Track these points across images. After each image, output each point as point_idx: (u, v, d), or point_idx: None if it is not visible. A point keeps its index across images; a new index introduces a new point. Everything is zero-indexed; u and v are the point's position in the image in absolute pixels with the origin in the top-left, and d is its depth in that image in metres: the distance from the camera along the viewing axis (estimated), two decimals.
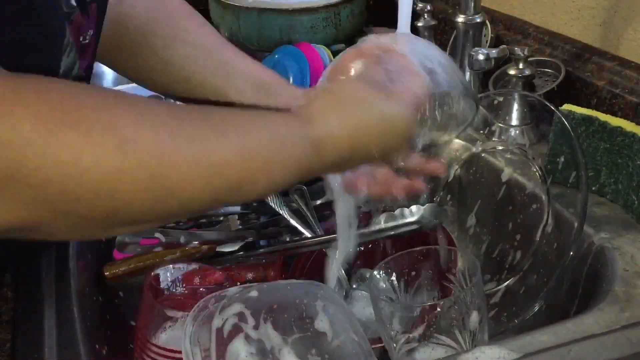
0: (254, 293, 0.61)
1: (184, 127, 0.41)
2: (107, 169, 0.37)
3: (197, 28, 0.70)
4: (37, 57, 0.46)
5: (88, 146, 0.36)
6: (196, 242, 0.78)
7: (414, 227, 0.77)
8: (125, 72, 0.75)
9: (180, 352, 0.57)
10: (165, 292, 0.70)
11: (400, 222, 0.77)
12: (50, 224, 0.38)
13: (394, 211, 0.77)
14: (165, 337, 0.65)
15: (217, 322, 0.58)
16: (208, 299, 0.59)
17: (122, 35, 0.68)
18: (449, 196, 0.94)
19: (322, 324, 0.62)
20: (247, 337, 0.59)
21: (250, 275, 0.79)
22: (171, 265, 0.70)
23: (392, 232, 0.78)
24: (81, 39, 0.53)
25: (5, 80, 0.36)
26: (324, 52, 1.09)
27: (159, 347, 0.63)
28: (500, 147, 0.85)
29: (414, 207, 0.77)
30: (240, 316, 0.59)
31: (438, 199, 0.90)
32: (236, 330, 0.59)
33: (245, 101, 0.67)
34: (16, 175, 0.35)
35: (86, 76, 0.56)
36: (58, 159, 0.36)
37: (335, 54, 1.10)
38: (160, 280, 0.70)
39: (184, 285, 0.71)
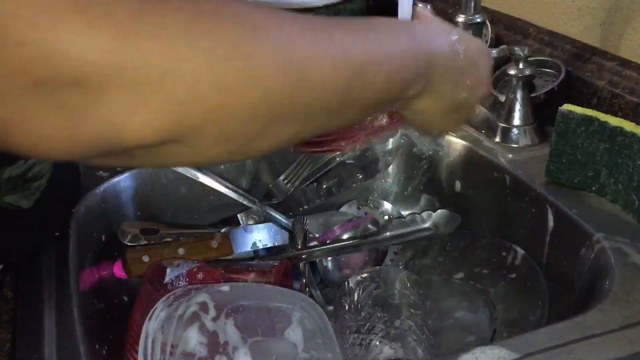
0: (224, 288, 0.62)
1: (307, 21, 0.43)
2: (246, 53, 0.38)
3: None
4: None
5: (226, 33, 0.37)
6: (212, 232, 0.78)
7: (427, 233, 0.77)
8: None
9: (174, 345, 0.57)
10: (167, 287, 0.70)
11: (413, 228, 0.77)
12: (202, 129, 0.37)
13: (405, 218, 0.77)
14: None
15: (181, 309, 0.58)
16: (185, 289, 0.60)
17: None
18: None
19: (293, 334, 0.62)
20: (202, 327, 0.59)
21: (250, 277, 0.80)
22: (177, 262, 0.71)
23: (405, 239, 0.78)
24: None
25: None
26: None
27: None
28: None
29: (425, 214, 0.77)
30: (202, 306, 0.60)
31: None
32: (194, 318, 0.59)
33: None
34: (172, 71, 0.35)
35: None
36: (202, 48, 0.36)
37: None
38: (166, 274, 0.70)
39: (187, 280, 0.71)
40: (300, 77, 0.41)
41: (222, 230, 0.82)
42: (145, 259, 0.72)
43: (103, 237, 0.81)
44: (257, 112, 0.39)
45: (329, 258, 0.85)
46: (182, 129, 0.37)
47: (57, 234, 0.74)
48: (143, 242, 0.79)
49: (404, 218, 0.77)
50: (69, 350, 0.58)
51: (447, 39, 0.56)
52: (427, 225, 0.76)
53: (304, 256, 0.79)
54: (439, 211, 0.78)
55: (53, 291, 0.66)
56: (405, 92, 0.50)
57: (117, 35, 0.33)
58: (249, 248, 0.82)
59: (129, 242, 0.79)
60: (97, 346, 0.66)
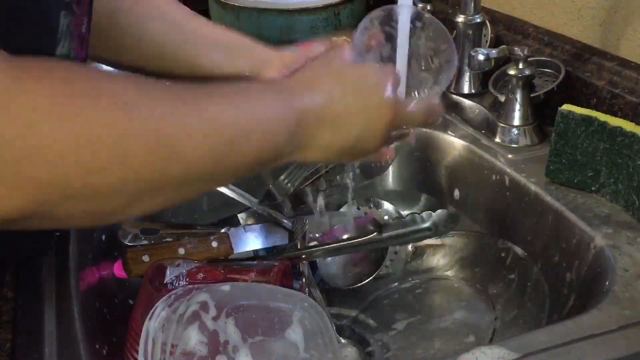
0: (225, 287, 0.62)
1: (176, 93, 0.45)
2: (118, 134, 0.38)
3: (164, 3, 0.70)
4: (29, 46, 0.46)
5: (99, 115, 0.38)
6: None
7: (427, 233, 0.77)
8: (95, 54, 0.75)
9: (174, 345, 0.57)
10: (168, 286, 0.70)
11: (413, 228, 0.77)
12: (64, 205, 0.38)
13: (404, 218, 0.77)
14: None
15: (181, 308, 0.59)
16: (186, 288, 0.60)
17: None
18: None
19: (293, 334, 0.62)
20: (202, 326, 0.60)
21: (250, 277, 0.80)
22: (177, 262, 0.71)
23: (405, 239, 0.78)
24: (83, 29, 0.53)
25: (13, 61, 0.37)
26: None
27: None
28: None
29: (424, 214, 0.77)
30: (203, 305, 0.60)
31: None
32: (194, 317, 0.60)
33: (218, 68, 0.68)
34: (34, 154, 0.35)
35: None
36: (73, 131, 0.36)
37: None
38: (166, 274, 0.70)
39: (187, 280, 0.71)
40: (170, 152, 0.41)
41: (222, 230, 0.82)
42: (146, 258, 0.73)
43: (103, 237, 0.81)
44: (124, 188, 0.40)
45: (329, 258, 0.85)
46: (41, 208, 0.37)
47: (57, 233, 0.74)
48: (143, 242, 0.79)
49: (404, 218, 0.77)
50: (69, 350, 0.58)
51: (326, 87, 0.54)
52: (426, 225, 0.76)
53: (303, 256, 0.78)
54: (438, 211, 0.78)
55: (53, 291, 0.65)
56: (280, 153, 0.51)
57: None
58: (249, 248, 0.82)
59: (129, 242, 0.79)
60: (97, 346, 0.65)
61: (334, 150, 0.55)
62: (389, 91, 0.55)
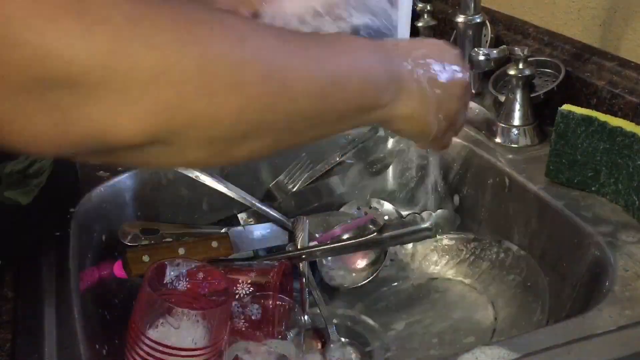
0: None
1: (281, 32, 0.47)
2: (232, 60, 0.40)
3: None
4: None
5: (214, 41, 0.39)
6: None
7: (427, 233, 0.78)
8: None
9: (173, 347, 0.57)
10: (168, 286, 0.70)
11: (413, 228, 0.78)
12: (184, 130, 0.39)
13: (404, 218, 0.77)
14: (160, 332, 0.65)
15: None
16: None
17: None
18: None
19: None
20: None
21: (251, 277, 0.80)
22: (177, 262, 0.71)
23: (405, 239, 0.79)
24: None
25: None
26: None
27: (153, 341, 0.63)
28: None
29: (425, 214, 0.78)
30: None
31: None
32: None
33: None
34: (160, 76, 0.36)
35: None
36: (192, 54, 0.38)
37: None
38: (166, 274, 0.70)
39: (187, 279, 0.71)
40: (280, 86, 0.43)
41: (222, 230, 0.82)
42: (146, 258, 0.73)
43: (103, 237, 0.81)
44: (240, 118, 0.41)
45: (329, 258, 0.85)
46: (168, 131, 0.38)
47: (57, 233, 0.74)
48: (144, 242, 0.79)
49: (404, 218, 0.77)
50: (69, 350, 0.58)
51: (418, 53, 0.58)
52: (426, 225, 0.77)
53: (303, 256, 0.78)
54: (438, 211, 0.78)
55: (53, 291, 0.65)
56: (379, 99, 0.52)
57: (109, 39, 0.34)
58: (249, 248, 0.82)
59: (129, 242, 0.79)
60: (97, 346, 0.65)
61: (425, 105, 0.57)
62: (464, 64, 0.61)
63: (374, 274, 0.84)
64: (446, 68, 0.59)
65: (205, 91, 0.38)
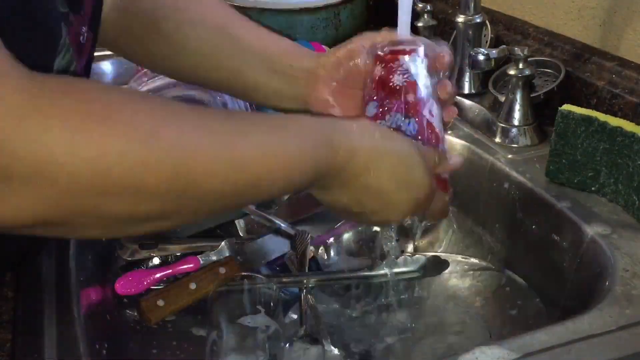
0: None
1: (206, 123, 0.43)
2: (132, 162, 0.38)
3: (207, 8, 0.68)
4: (29, 58, 0.46)
5: (114, 141, 0.37)
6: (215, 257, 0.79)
7: (416, 274, 0.80)
8: (139, 59, 0.74)
9: None
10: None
11: (403, 269, 0.80)
12: (75, 220, 0.39)
13: (397, 258, 0.80)
14: None
15: None
16: None
17: (132, 22, 0.67)
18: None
19: None
20: None
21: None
22: None
23: (393, 278, 0.81)
24: (81, 39, 0.52)
25: (32, 80, 0.37)
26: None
27: None
28: None
29: (416, 257, 0.81)
30: None
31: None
32: None
33: (262, 83, 0.66)
34: (44, 172, 0.35)
35: (85, 75, 0.56)
36: (85, 155, 0.36)
37: None
38: None
39: None
40: (188, 185, 0.41)
41: (222, 243, 0.82)
42: (161, 303, 0.71)
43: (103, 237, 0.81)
44: (135, 214, 0.40)
45: (332, 254, 0.85)
46: (53, 220, 0.38)
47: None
48: (142, 256, 0.79)
49: (397, 259, 0.80)
50: (69, 350, 0.58)
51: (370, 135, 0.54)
52: (415, 269, 0.80)
53: (304, 281, 0.79)
54: (429, 255, 0.82)
55: (53, 291, 0.66)
56: (301, 186, 0.50)
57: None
58: (255, 265, 0.81)
59: (128, 257, 0.79)
60: (97, 346, 0.66)
61: (360, 211, 0.54)
62: (426, 172, 0.56)
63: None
64: (400, 191, 0.54)
65: (97, 191, 0.37)
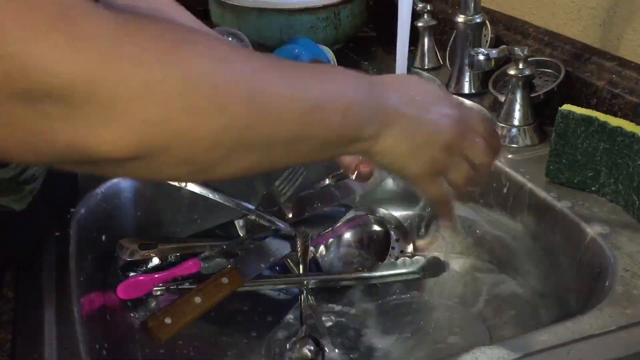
0: None
1: (266, 59, 0.47)
2: (216, 81, 0.41)
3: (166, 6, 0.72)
4: None
5: (198, 62, 0.40)
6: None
7: (415, 276, 0.81)
8: None
9: None
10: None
11: (402, 270, 0.80)
12: (167, 148, 0.40)
13: (396, 259, 0.81)
14: None
15: None
16: None
17: None
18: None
19: None
20: None
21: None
22: None
23: (391, 280, 0.81)
24: None
25: (117, 13, 0.38)
26: (327, 52, 1.09)
27: None
28: None
29: (415, 259, 0.81)
30: None
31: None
32: None
33: None
34: (145, 91, 0.37)
35: None
36: (177, 73, 0.39)
37: (336, 53, 1.10)
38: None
39: None
40: (262, 108, 0.43)
41: (225, 245, 0.82)
42: (168, 321, 0.70)
43: (103, 237, 0.81)
44: (222, 138, 0.42)
45: (332, 255, 0.85)
46: (150, 148, 0.39)
47: (57, 233, 0.74)
48: (141, 256, 0.80)
49: (396, 259, 0.80)
50: (69, 350, 0.58)
51: (407, 91, 0.56)
52: (414, 269, 0.80)
53: (305, 282, 0.79)
54: (429, 257, 0.81)
55: (53, 291, 0.66)
56: (361, 132, 0.51)
57: (95, 55, 0.35)
58: (257, 272, 0.80)
59: (127, 257, 0.79)
60: (97, 346, 0.66)
61: (410, 143, 0.55)
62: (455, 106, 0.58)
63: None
64: (435, 111, 0.56)
65: (188, 110, 0.39)
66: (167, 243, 0.83)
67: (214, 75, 0.41)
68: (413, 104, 0.55)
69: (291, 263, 0.82)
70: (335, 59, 1.09)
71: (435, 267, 0.81)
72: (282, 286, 0.82)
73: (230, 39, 1.09)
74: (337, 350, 0.74)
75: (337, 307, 0.82)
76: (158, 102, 0.38)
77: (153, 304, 0.79)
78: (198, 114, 0.40)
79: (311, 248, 0.84)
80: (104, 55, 0.35)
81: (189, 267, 0.79)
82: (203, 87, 0.40)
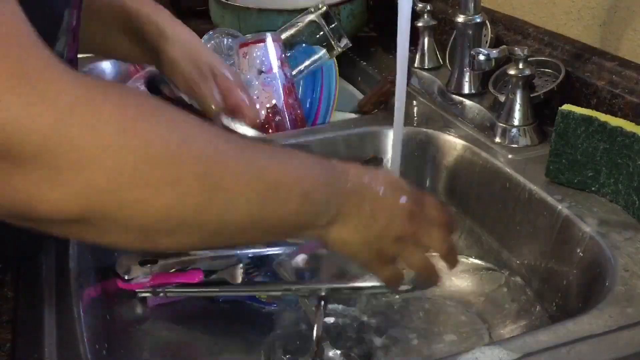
0: None
1: (231, 138, 0.47)
2: (173, 155, 0.41)
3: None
4: None
5: (157, 136, 0.40)
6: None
7: (407, 287, 0.78)
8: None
9: None
10: None
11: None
12: (115, 215, 0.39)
13: None
14: None
15: None
16: None
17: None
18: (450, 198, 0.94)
19: None
20: None
21: None
22: None
23: (383, 291, 0.79)
24: (72, 22, 0.53)
25: (82, 76, 0.39)
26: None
27: None
28: None
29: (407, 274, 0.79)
30: None
31: None
32: None
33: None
34: (94, 158, 0.37)
35: (75, 59, 0.57)
36: (133, 144, 0.38)
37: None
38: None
39: None
40: (217, 188, 0.43)
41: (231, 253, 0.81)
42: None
43: None
44: (172, 213, 0.41)
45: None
46: (95, 214, 0.39)
47: None
48: (142, 274, 0.78)
49: None
50: (69, 350, 0.58)
51: (366, 177, 0.56)
52: (407, 287, 0.77)
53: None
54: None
55: (53, 291, 0.65)
56: (316, 219, 0.51)
57: (50, 118, 0.35)
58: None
59: (123, 273, 0.77)
60: (97, 346, 0.66)
61: (363, 235, 0.54)
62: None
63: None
64: (392, 205, 0.55)
65: (141, 182, 0.39)
66: (168, 258, 0.81)
67: (172, 152, 0.40)
68: (372, 197, 0.54)
69: (280, 268, 0.81)
70: (335, 60, 1.09)
71: (424, 279, 0.80)
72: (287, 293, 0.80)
73: (230, 39, 1.09)
74: (337, 351, 0.74)
75: (339, 307, 0.82)
76: (110, 170, 0.37)
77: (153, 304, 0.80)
78: (150, 187, 0.39)
79: (304, 256, 0.83)
80: (58, 119, 0.35)
81: (192, 276, 0.79)
82: (159, 161, 0.39)
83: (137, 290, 0.77)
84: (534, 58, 0.90)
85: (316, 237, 0.53)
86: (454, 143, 0.91)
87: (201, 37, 1.02)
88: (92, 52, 0.90)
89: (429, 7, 1.07)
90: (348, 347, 0.75)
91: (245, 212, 0.45)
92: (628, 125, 0.72)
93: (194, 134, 0.43)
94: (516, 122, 0.87)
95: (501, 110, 0.89)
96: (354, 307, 0.82)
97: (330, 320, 0.79)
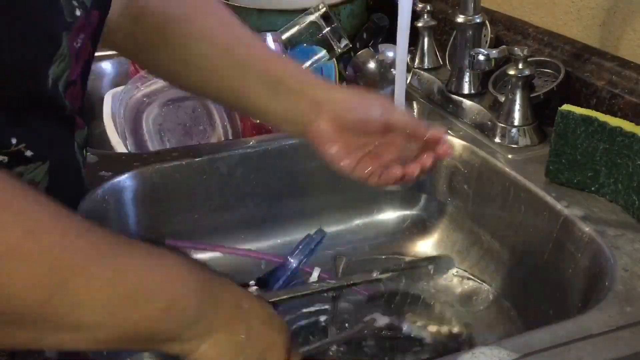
0: None
1: (89, 229, 0.42)
2: (10, 248, 0.38)
3: (217, 23, 0.68)
4: (22, 62, 0.45)
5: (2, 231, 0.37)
6: None
7: (428, 264, 0.77)
8: (144, 65, 0.75)
9: None
10: None
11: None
12: None
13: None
14: None
15: None
16: None
17: (140, 30, 0.67)
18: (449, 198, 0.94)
19: None
20: None
21: None
22: None
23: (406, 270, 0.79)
24: (75, 44, 0.52)
25: None
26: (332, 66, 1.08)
27: None
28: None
29: (425, 258, 0.80)
30: None
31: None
32: None
33: (263, 106, 0.67)
34: None
35: (81, 81, 0.55)
36: None
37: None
38: None
39: None
40: (64, 286, 0.40)
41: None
42: None
43: None
44: (13, 308, 0.39)
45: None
46: None
47: None
48: None
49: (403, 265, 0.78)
50: (69, 350, 0.58)
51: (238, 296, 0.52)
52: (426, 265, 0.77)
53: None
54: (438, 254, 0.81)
55: None
56: (183, 331, 0.47)
57: None
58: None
59: None
60: None
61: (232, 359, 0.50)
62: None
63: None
64: (264, 333, 0.51)
65: None
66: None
67: (15, 245, 0.38)
68: (248, 324, 0.50)
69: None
70: (335, 61, 1.09)
71: (443, 264, 0.78)
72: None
73: None
74: (340, 348, 0.74)
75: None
76: None
77: None
78: None
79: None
80: None
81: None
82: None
83: None
84: (533, 58, 0.90)
85: (183, 353, 0.48)
86: (454, 143, 0.91)
87: None
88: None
89: (429, 7, 1.07)
90: (348, 345, 0.76)
91: (95, 315, 0.42)
92: (628, 125, 0.72)
93: (47, 229, 0.39)
94: (516, 122, 0.87)
95: (501, 110, 0.89)
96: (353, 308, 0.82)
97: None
